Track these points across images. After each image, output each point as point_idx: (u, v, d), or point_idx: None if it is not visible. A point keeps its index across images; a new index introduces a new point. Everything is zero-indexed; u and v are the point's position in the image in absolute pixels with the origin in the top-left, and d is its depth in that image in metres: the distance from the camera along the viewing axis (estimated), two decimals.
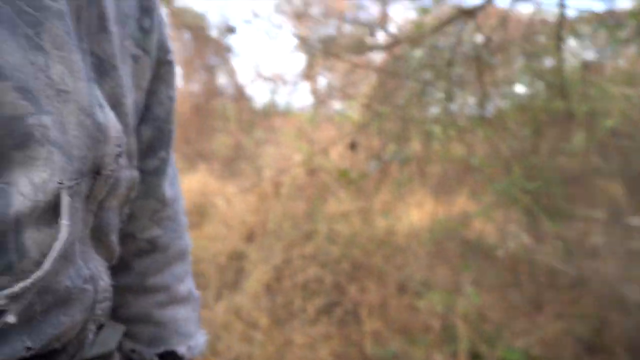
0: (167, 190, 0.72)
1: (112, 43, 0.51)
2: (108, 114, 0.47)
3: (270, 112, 6.51)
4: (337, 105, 6.01)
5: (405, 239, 3.41)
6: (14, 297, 0.37)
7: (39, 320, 0.43)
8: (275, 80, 7.60)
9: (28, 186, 0.38)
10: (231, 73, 7.62)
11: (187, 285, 0.78)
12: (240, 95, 7.23)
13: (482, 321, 2.86)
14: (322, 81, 6.76)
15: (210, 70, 7.48)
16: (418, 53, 3.56)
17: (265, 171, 4.05)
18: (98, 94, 0.47)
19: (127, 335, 0.71)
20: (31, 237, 0.39)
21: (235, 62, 7.60)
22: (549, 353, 2.97)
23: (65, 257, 0.43)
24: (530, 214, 3.32)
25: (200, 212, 4.49)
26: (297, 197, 3.65)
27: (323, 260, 3.20)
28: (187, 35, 6.90)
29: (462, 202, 3.52)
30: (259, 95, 8.44)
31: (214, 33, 7.35)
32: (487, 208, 3.22)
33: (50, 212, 0.41)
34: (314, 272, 3.15)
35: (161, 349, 0.74)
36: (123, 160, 0.55)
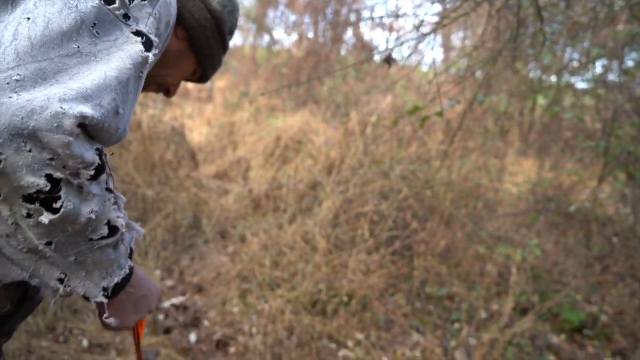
0: None
1: None
2: None
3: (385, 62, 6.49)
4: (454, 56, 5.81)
5: (483, 189, 3.31)
6: None
7: None
8: (398, 30, 7.51)
9: None
10: (355, 22, 7.67)
11: None
12: (360, 44, 7.28)
13: (543, 274, 2.74)
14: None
15: (336, 18, 7.60)
16: None
17: (359, 112, 4.13)
18: None
19: None
20: None
21: (361, 10, 7.62)
22: (615, 320, 2.77)
23: None
24: (628, 176, 3.04)
25: (296, 148, 4.74)
26: (381, 137, 3.70)
27: (394, 198, 3.25)
28: None
29: (553, 161, 3.30)
30: (381, 44, 8.39)
31: None
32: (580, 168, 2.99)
33: None
34: (382, 208, 3.22)
35: None
36: None
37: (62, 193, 0.58)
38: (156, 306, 0.87)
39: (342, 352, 2.56)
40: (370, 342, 2.63)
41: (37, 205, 0.58)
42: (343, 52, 7.78)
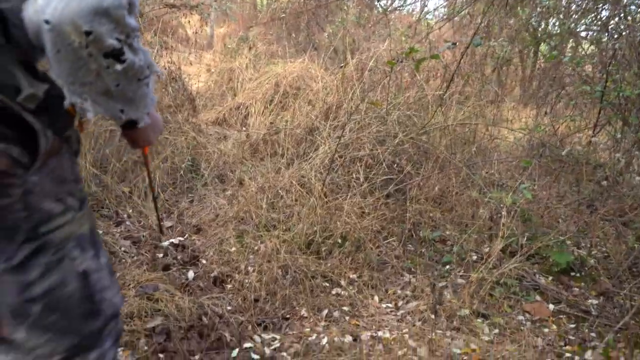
0: None
1: None
2: None
3: (387, 9, 6.36)
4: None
5: (479, 135, 3.32)
6: None
7: None
8: None
9: None
10: None
11: None
12: None
13: (534, 219, 2.80)
14: None
15: None
16: None
17: (357, 57, 4.09)
18: None
19: None
20: None
21: None
22: (601, 262, 2.85)
23: None
24: (624, 122, 3.05)
25: (295, 94, 4.72)
26: (379, 82, 3.68)
27: (390, 143, 3.28)
28: None
29: (550, 108, 3.29)
30: None
31: None
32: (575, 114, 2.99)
33: None
34: (378, 153, 3.25)
35: None
36: None
37: (124, 50, 0.86)
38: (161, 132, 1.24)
39: (335, 290, 2.65)
40: (363, 281, 2.72)
41: (111, 59, 0.86)
42: None
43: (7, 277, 0.91)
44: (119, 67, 0.87)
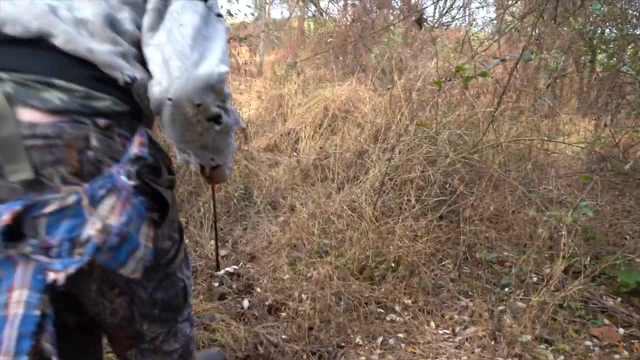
0: None
1: None
2: None
3: (433, 26, 6.32)
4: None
5: (535, 151, 3.21)
6: None
7: None
8: None
9: None
10: None
11: None
12: (407, 7, 7.10)
13: (598, 237, 2.65)
14: None
15: None
16: None
17: (405, 77, 4.08)
18: None
19: None
20: None
21: None
22: None
23: None
24: None
25: (344, 117, 4.75)
26: (427, 102, 3.64)
27: (440, 163, 3.22)
28: None
29: (610, 119, 3.15)
30: (427, 8, 8.12)
31: None
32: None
33: None
34: (429, 174, 3.20)
35: None
36: None
37: (221, 113, 1.09)
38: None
39: (389, 317, 2.61)
40: (418, 306, 2.66)
41: (212, 122, 1.09)
42: (390, 17, 7.61)
43: (145, 299, 1.21)
44: (217, 127, 1.11)
